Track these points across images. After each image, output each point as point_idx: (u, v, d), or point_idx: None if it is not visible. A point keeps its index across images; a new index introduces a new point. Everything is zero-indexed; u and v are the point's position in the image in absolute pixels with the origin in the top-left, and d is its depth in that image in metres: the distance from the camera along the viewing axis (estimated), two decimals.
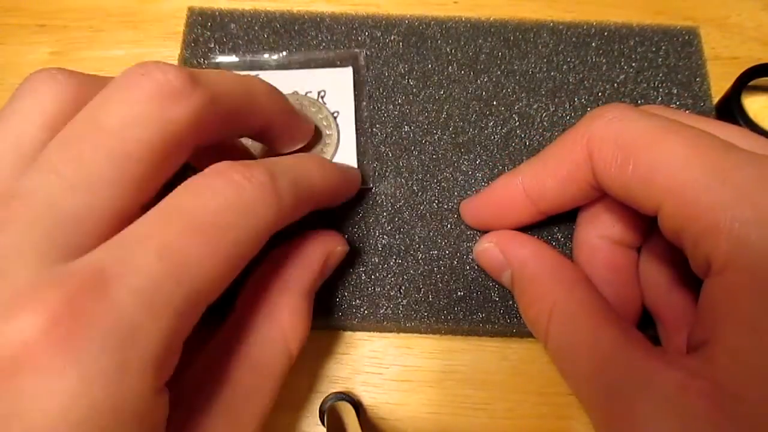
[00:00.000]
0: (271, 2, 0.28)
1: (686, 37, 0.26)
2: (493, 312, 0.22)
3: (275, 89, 0.20)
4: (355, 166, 0.24)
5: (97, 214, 0.14)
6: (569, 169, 0.19)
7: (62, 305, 0.12)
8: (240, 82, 0.18)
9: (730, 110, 0.24)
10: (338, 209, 0.23)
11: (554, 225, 0.23)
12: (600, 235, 0.20)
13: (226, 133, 0.19)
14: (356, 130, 0.24)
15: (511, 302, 0.22)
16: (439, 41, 0.26)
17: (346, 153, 0.24)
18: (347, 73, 0.25)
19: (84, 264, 0.13)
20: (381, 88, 0.25)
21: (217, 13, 0.27)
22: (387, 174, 0.24)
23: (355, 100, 0.25)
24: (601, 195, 0.19)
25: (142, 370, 0.13)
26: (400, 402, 0.22)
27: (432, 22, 0.26)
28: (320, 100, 0.25)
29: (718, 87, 0.26)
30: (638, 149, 0.16)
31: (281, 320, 0.18)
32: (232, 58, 0.26)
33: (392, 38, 0.26)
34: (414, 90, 0.25)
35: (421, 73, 0.25)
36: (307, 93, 0.25)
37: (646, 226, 0.20)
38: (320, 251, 0.20)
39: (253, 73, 0.25)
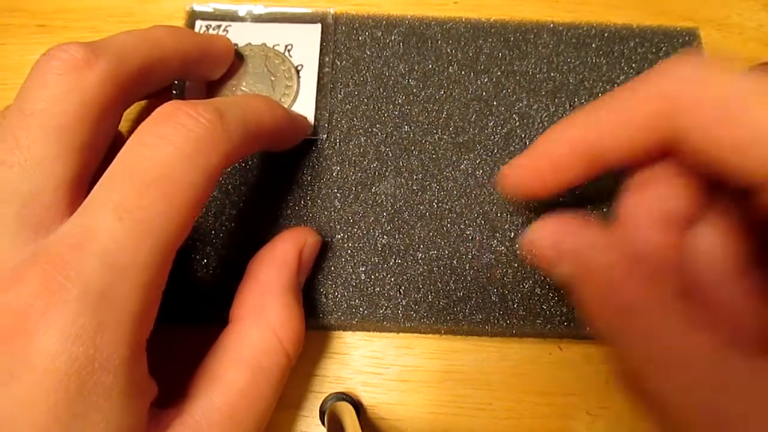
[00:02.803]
0: (270, 3, 0.28)
1: (686, 39, 0.26)
2: (492, 313, 0.22)
3: (177, 28, 0.21)
4: (312, 117, 0.24)
5: (53, 187, 0.16)
6: (637, 124, 0.16)
7: (40, 282, 0.14)
8: (141, 36, 0.20)
9: None
10: (339, 205, 0.23)
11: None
12: (648, 210, 0.18)
13: (151, 83, 0.20)
14: (317, 84, 0.25)
15: (510, 303, 0.22)
16: (439, 41, 0.26)
17: (304, 105, 0.25)
18: (315, 29, 0.26)
19: (54, 239, 0.15)
20: (381, 87, 0.25)
21: (217, 14, 0.27)
22: (387, 174, 0.24)
23: (320, 55, 0.26)
24: (662, 155, 0.17)
25: (118, 326, 0.14)
26: (400, 402, 0.22)
27: (432, 23, 0.26)
28: (286, 53, 0.25)
29: None
30: (739, 111, 0.14)
31: (270, 320, 0.19)
32: (208, 8, 0.26)
33: (393, 38, 0.26)
34: (414, 90, 0.25)
35: (422, 74, 0.25)
36: (274, 45, 0.26)
37: (705, 201, 0.18)
38: (292, 247, 0.20)
39: (225, 23, 0.26)
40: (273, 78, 0.25)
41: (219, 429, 0.17)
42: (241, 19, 0.26)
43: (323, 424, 0.21)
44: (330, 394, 0.21)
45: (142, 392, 0.15)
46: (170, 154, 0.16)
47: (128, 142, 0.16)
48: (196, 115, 0.16)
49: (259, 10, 0.27)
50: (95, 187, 0.16)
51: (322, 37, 0.26)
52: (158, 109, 0.17)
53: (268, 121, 0.20)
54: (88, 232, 0.14)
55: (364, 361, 0.22)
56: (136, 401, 0.15)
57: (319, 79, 0.25)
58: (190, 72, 0.23)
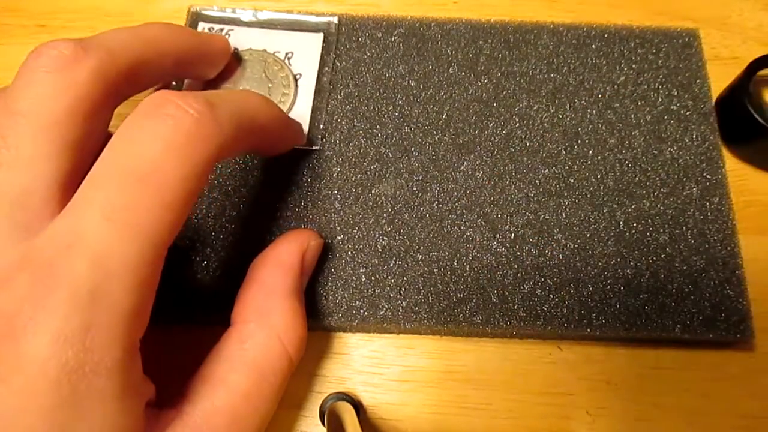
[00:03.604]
0: (270, 3, 0.28)
1: (686, 39, 0.26)
2: (492, 314, 0.22)
3: (173, 25, 0.21)
4: (306, 127, 0.24)
5: (44, 187, 0.16)
6: None
7: (28, 285, 0.14)
8: (134, 32, 0.19)
9: (737, 100, 0.24)
10: (339, 207, 0.23)
11: (555, 227, 0.23)
12: None
13: (145, 80, 0.20)
14: (314, 93, 0.25)
15: (510, 304, 0.22)
16: (439, 43, 0.26)
17: (300, 114, 0.25)
18: (317, 38, 0.26)
19: (42, 241, 0.14)
20: (382, 89, 0.25)
21: (220, 17, 0.27)
22: (387, 175, 0.24)
23: (319, 65, 0.25)
24: None
25: (109, 328, 0.14)
26: (401, 402, 0.22)
27: (432, 24, 0.26)
28: (286, 60, 0.25)
29: (718, 87, 0.26)
30: None
31: (274, 324, 0.18)
32: (212, 11, 0.26)
33: (393, 39, 0.26)
34: (414, 91, 0.25)
35: (422, 75, 0.25)
36: (275, 52, 0.25)
37: None
38: (295, 250, 0.20)
39: (227, 27, 0.26)
40: (270, 84, 0.25)
41: (219, 430, 0.17)
42: (245, 24, 0.26)
43: (323, 424, 0.21)
44: (330, 394, 0.21)
45: (138, 393, 0.15)
46: (158, 148, 0.15)
47: (115, 136, 0.16)
48: (185, 106, 0.16)
49: (263, 15, 0.26)
50: (82, 185, 0.15)
51: (323, 48, 0.26)
52: (145, 100, 0.16)
53: (263, 117, 0.19)
54: (76, 234, 0.14)
55: (365, 361, 0.22)
56: (131, 402, 0.15)
57: (317, 89, 0.25)
58: (186, 70, 0.22)
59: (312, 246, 0.21)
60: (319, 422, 0.21)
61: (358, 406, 0.21)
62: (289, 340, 0.18)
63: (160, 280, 0.20)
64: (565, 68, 0.26)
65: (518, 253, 0.22)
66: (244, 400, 0.17)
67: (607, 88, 0.25)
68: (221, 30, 0.26)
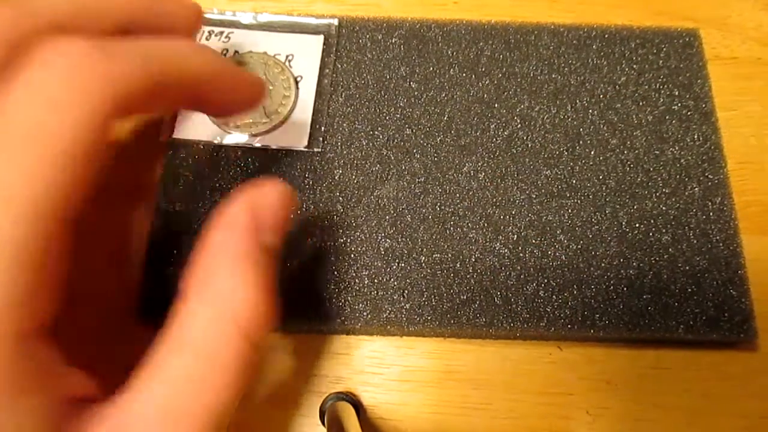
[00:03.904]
0: (271, 3, 0.28)
1: (687, 39, 0.26)
2: (496, 316, 0.22)
3: None
4: (308, 129, 0.24)
5: None
6: None
7: None
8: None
9: None
10: (341, 209, 0.23)
11: (557, 228, 0.23)
12: None
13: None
14: (315, 95, 0.25)
15: (513, 306, 0.22)
16: (440, 44, 0.26)
17: (301, 116, 0.25)
18: (318, 40, 0.26)
19: None
20: (383, 91, 0.25)
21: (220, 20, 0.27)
22: (389, 177, 0.24)
23: (319, 68, 0.25)
24: None
25: None
26: (401, 402, 0.22)
27: (433, 25, 0.26)
28: (287, 62, 0.25)
29: (718, 87, 0.26)
30: None
31: (218, 294, 0.15)
32: (212, 14, 0.26)
33: (393, 41, 0.26)
34: (416, 93, 0.25)
35: (423, 76, 0.25)
36: (275, 55, 0.26)
37: None
38: (242, 206, 0.16)
39: (227, 30, 0.26)
40: (271, 87, 0.25)
41: (153, 425, 0.14)
42: (245, 26, 0.26)
43: (323, 424, 0.21)
44: (330, 394, 0.21)
45: (44, 387, 0.13)
46: (31, 101, 0.13)
47: None
48: (66, 47, 0.13)
49: (263, 17, 0.26)
50: None
51: (323, 50, 0.26)
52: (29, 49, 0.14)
53: (191, 63, 0.16)
54: None
55: (365, 361, 0.22)
56: (34, 399, 0.13)
57: (317, 92, 0.25)
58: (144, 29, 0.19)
59: (266, 195, 0.16)
60: (319, 422, 0.21)
61: (358, 406, 0.21)
62: (241, 314, 0.15)
63: (163, 286, 0.19)
64: (566, 69, 0.26)
65: (521, 255, 0.22)
66: (186, 387, 0.14)
67: (609, 88, 0.25)
68: (221, 33, 0.26)
